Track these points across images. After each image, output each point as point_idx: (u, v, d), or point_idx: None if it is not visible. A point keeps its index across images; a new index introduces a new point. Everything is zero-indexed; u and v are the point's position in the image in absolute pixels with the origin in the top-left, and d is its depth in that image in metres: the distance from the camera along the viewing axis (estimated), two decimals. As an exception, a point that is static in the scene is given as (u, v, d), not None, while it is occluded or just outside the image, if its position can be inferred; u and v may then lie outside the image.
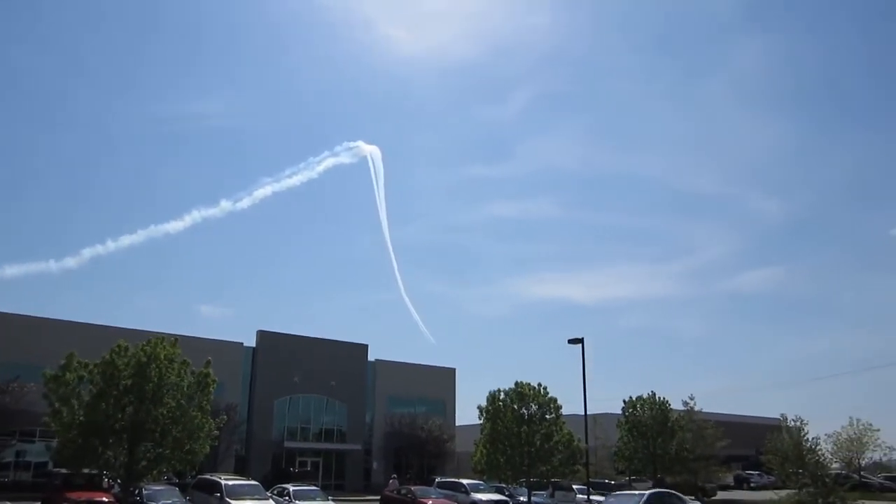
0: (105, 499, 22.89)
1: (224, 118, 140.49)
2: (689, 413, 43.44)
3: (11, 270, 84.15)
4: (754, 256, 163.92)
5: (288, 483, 31.24)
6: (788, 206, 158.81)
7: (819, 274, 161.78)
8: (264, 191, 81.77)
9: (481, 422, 34.98)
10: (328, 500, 28.83)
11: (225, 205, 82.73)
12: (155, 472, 22.32)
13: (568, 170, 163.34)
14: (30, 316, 42.35)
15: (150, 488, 24.31)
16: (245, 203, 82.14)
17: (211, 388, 23.25)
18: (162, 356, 21.72)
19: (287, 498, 27.73)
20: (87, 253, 79.66)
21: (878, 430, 49.82)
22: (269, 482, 34.22)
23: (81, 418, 20.54)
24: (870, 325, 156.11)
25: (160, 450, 21.46)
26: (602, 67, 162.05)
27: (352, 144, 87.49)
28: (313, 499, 28.12)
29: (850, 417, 50.97)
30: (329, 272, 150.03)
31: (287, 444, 51.44)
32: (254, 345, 52.96)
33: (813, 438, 44.74)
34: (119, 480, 21.97)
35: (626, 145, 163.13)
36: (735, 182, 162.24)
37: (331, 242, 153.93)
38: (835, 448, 49.68)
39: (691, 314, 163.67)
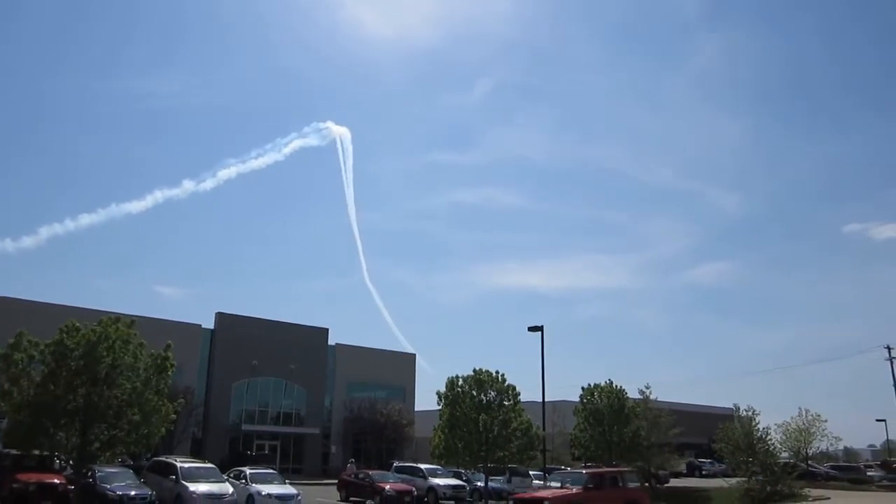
0: (56, 480, 22.50)
1: (189, 97, 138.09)
2: (645, 401, 44.11)
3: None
4: (713, 250, 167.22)
5: (245, 466, 31.07)
6: (747, 201, 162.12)
7: (775, 269, 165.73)
8: (229, 172, 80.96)
9: (440, 407, 35.14)
10: (285, 483, 28.75)
11: (188, 185, 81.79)
12: (108, 454, 21.96)
13: (531, 159, 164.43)
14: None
15: (104, 470, 23.97)
16: (209, 184, 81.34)
17: (169, 372, 22.91)
18: (115, 336, 21.29)
19: (244, 481, 27.59)
20: (45, 232, 78.08)
21: (826, 421, 51.19)
22: (226, 465, 34.00)
23: (31, 398, 20.10)
24: (823, 319, 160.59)
25: (114, 432, 21.10)
26: (565, 58, 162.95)
27: (321, 125, 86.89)
28: (270, 482, 28.01)
29: (800, 408, 52.28)
30: (292, 256, 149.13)
31: (245, 427, 51.08)
32: (212, 327, 52.39)
33: (764, 428, 45.69)
34: (71, 462, 21.58)
35: (588, 137, 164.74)
36: (696, 176, 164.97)
37: (295, 225, 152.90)
38: (784, 438, 50.90)
39: (650, 305, 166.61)
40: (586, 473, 26.66)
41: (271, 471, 31.28)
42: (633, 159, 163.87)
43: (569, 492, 24.32)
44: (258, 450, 50.20)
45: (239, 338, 51.94)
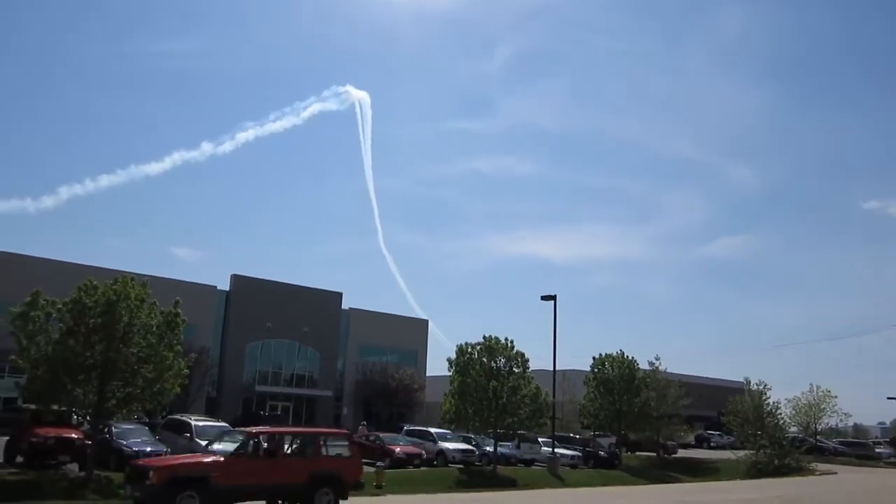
0: (74, 435, 22.95)
1: (209, 60, 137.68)
2: (654, 372, 44.28)
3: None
4: (728, 223, 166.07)
5: (258, 426, 31.52)
6: (764, 175, 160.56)
7: (791, 244, 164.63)
8: (247, 135, 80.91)
9: (451, 374, 35.38)
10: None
11: (206, 148, 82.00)
12: (125, 410, 22.35)
13: (547, 128, 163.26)
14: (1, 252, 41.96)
15: (120, 426, 24.43)
16: (227, 147, 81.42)
17: (180, 328, 23.19)
18: (133, 296, 21.56)
19: (257, 440, 28.00)
20: (65, 192, 78.74)
21: (836, 397, 51.20)
22: (240, 425, 34.48)
23: (49, 355, 20.45)
24: (838, 295, 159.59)
25: (130, 389, 21.46)
26: (584, 26, 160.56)
27: (341, 89, 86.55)
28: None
29: (811, 384, 52.25)
30: (308, 219, 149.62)
31: (258, 387, 51.83)
32: (228, 289, 52.87)
33: (774, 402, 46.06)
34: (88, 418, 22.00)
35: (606, 106, 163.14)
36: (712, 149, 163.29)
37: (312, 190, 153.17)
38: (794, 412, 51.06)
39: (663, 277, 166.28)
40: (247, 434, 18.63)
41: (284, 431, 31.71)
42: (650, 130, 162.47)
43: (203, 459, 17.33)
44: (271, 410, 51.03)
45: (254, 300, 52.42)
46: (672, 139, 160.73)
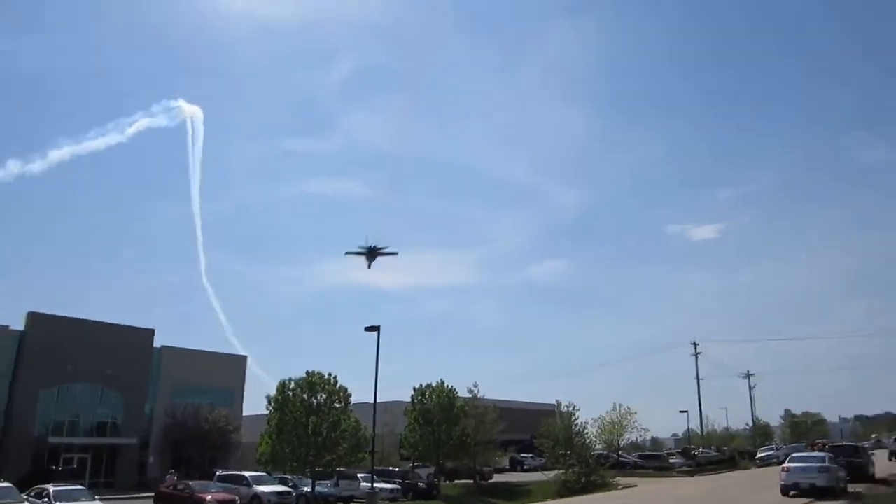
0: None
1: (24, 63, 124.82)
2: (473, 400, 45.64)
3: None
4: (547, 247, 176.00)
5: (49, 483, 28.90)
6: (584, 199, 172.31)
7: (601, 267, 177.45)
8: (61, 153, 73.88)
9: (269, 411, 34.42)
10: (94, 499, 27.29)
11: (13, 167, 73.86)
12: None
13: (383, 149, 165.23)
14: None
15: None
16: (37, 166, 73.73)
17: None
18: None
19: (47, 499, 25.87)
20: None
21: (636, 414, 55.39)
22: (27, 483, 31.31)
23: None
24: (639, 316, 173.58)
25: None
26: (425, 44, 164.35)
27: (172, 104, 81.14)
28: (77, 499, 26.66)
29: (614, 402, 56.15)
30: (124, 250, 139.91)
31: (52, 439, 47.25)
32: (22, 328, 48.01)
33: (581, 423, 49.07)
34: None
35: (442, 126, 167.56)
36: (541, 172, 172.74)
37: (130, 216, 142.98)
38: (599, 431, 54.58)
39: (488, 302, 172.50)
40: None
41: (79, 487, 29.41)
42: (481, 152, 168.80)
43: None
44: (66, 463, 46.60)
45: (52, 340, 47.83)
46: (504, 162, 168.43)
